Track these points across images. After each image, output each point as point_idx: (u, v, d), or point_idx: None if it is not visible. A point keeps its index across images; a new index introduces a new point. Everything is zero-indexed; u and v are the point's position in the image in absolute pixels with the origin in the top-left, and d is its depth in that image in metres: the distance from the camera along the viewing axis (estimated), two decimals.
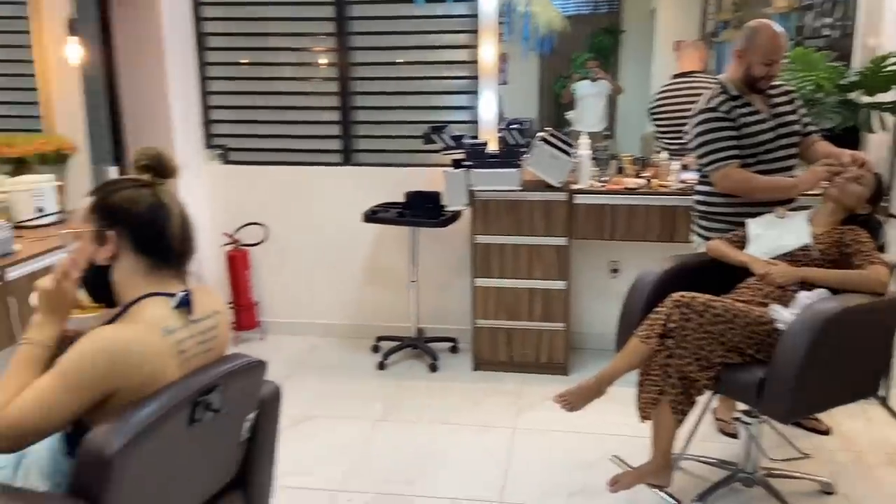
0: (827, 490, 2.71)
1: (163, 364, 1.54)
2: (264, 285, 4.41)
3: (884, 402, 3.37)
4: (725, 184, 2.81)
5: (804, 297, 2.45)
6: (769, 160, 2.83)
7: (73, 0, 3.50)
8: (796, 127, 2.89)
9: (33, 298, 1.65)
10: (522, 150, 3.68)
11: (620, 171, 3.88)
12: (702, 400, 2.48)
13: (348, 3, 4.08)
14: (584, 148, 3.69)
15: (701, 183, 2.99)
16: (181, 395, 1.54)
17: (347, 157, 4.29)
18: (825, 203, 2.74)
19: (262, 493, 1.92)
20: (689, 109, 2.97)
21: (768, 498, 2.64)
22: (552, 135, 3.63)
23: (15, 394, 1.46)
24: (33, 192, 2.81)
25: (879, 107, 3.18)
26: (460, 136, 3.85)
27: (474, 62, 4.00)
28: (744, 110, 2.82)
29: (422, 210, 3.83)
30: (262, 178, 4.31)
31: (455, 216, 3.86)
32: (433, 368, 3.92)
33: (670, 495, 2.59)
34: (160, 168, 1.68)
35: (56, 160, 2.98)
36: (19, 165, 2.99)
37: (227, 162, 4.34)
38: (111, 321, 1.57)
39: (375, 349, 4.18)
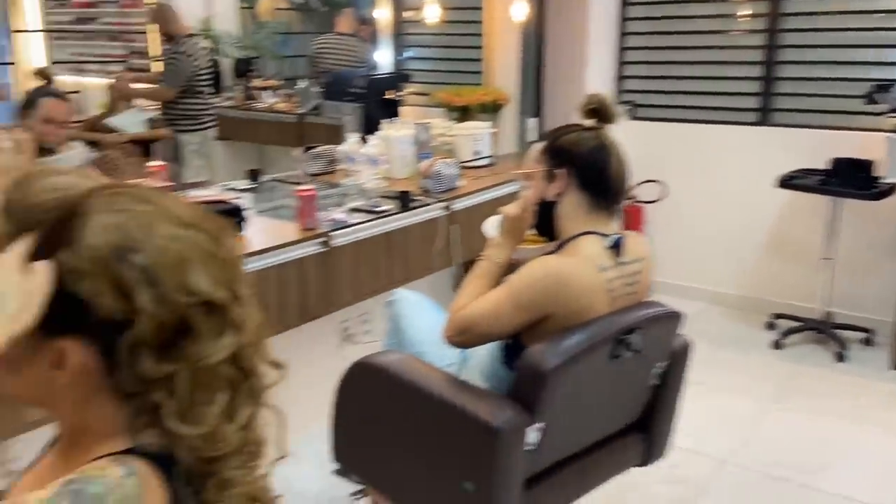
0: None
1: (595, 298, 1.64)
2: (655, 244, 4.38)
3: None
4: None
5: None
6: None
7: None
8: None
9: (489, 226, 1.89)
10: None
11: None
12: None
13: None
14: None
15: None
16: (607, 330, 1.62)
17: (765, 116, 3.97)
18: None
19: (661, 440, 1.95)
20: None
21: None
22: None
23: (471, 299, 1.70)
24: (473, 136, 3.20)
25: None
26: None
27: None
28: None
29: (850, 179, 3.38)
30: (667, 135, 4.24)
31: (891, 189, 3.33)
32: (840, 358, 3.50)
33: None
34: (604, 113, 1.77)
35: (493, 109, 3.33)
36: (463, 113, 3.42)
37: (635, 118, 4.36)
38: (551, 253, 1.72)
39: (770, 326, 3.88)
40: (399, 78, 5.05)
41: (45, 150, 2.71)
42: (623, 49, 4.33)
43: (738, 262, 4.14)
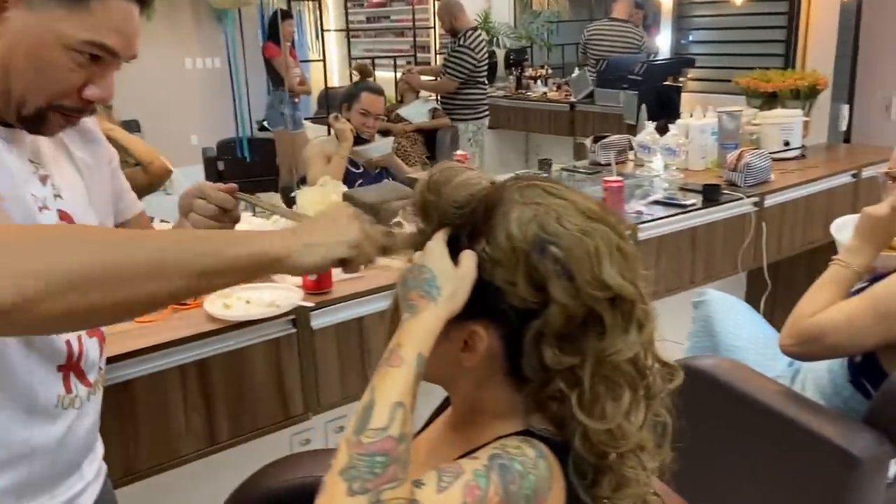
0: None
1: None
2: None
3: None
4: None
5: None
6: None
7: None
8: None
9: (838, 226, 1.69)
10: None
11: None
12: None
13: None
14: None
15: None
16: None
17: None
18: None
19: None
20: None
21: None
22: None
23: (821, 306, 1.52)
24: (782, 125, 2.91)
25: None
26: None
27: None
28: None
29: None
30: None
31: None
32: None
33: None
34: None
35: (808, 96, 3.01)
36: (770, 99, 3.13)
37: None
38: None
39: None
40: (681, 63, 4.80)
41: (358, 140, 2.96)
42: None
43: None
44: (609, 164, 2.92)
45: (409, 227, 0.88)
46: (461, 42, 4.81)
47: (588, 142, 3.18)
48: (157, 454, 1.45)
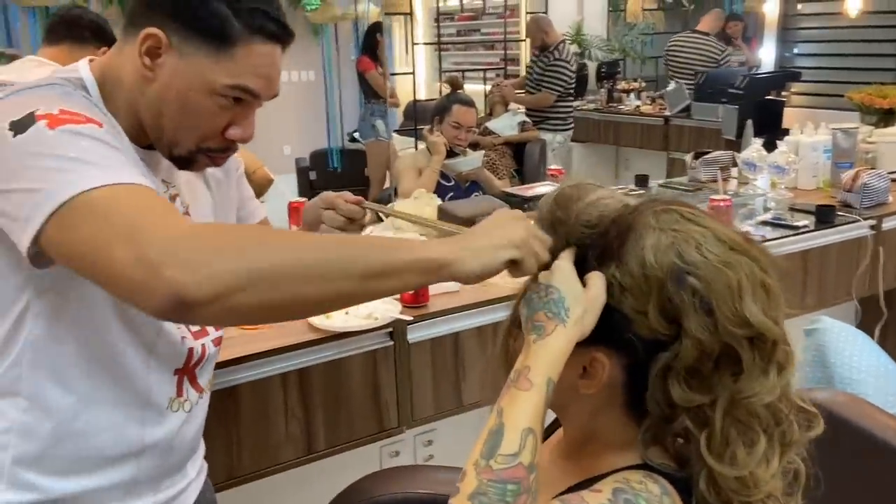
0: None
1: None
2: None
3: None
4: None
5: None
6: None
7: None
8: None
9: None
10: None
11: None
12: None
13: None
14: None
15: None
16: None
17: None
18: None
19: None
20: None
21: None
22: None
23: None
24: None
25: None
26: None
27: None
28: None
29: None
30: None
31: None
32: None
33: None
34: None
35: None
36: (886, 116, 2.95)
37: None
38: None
39: None
40: (786, 76, 4.61)
41: (449, 153, 2.96)
42: None
43: None
44: (711, 181, 2.82)
45: None
46: (556, 56, 4.80)
47: (688, 158, 3.07)
48: (258, 460, 1.47)
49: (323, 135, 6.32)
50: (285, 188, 4.70)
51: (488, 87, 5.42)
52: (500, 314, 0.93)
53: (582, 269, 0.75)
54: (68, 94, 0.85)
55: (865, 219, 2.38)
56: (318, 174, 5.79)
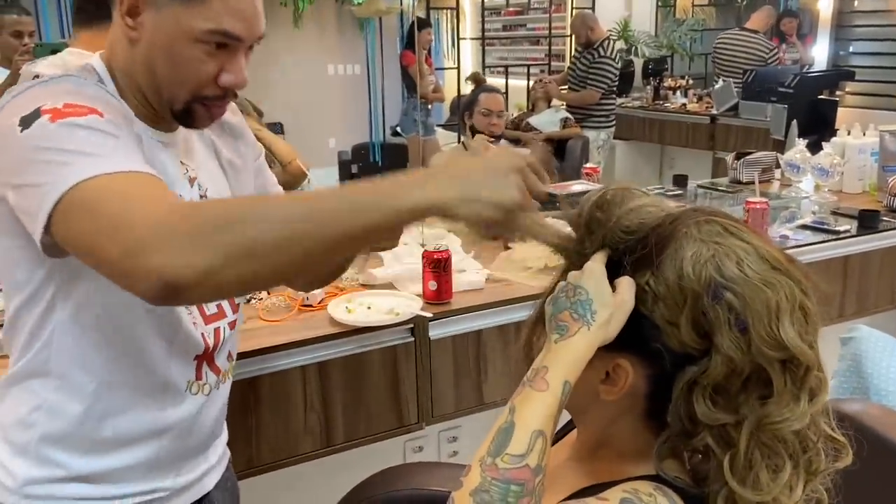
0: None
1: None
2: None
3: None
4: None
5: None
6: None
7: None
8: None
9: None
10: None
11: None
12: None
13: None
14: None
15: None
16: None
17: None
18: None
19: None
20: None
21: None
22: None
23: None
24: None
25: None
26: None
27: None
28: None
29: None
30: None
31: None
32: None
33: None
34: None
35: None
36: None
37: None
38: None
39: None
40: (839, 76, 4.46)
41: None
42: None
43: None
44: (751, 183, 2.74)
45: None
46: (601, 53, 4.75)
47: (730, 158, 3.00)
48: (277, 450, 1.50)
49: (366, 128, 6.36)
50: (328, 181, 4.75)
51: (532, 83, 5.38)
52: (523, 313, 0.92)
53: (615, 273, 0.74)
54: (81, 84, 0.88)
55: None
56: (360, 168, 5.84)
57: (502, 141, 3.48)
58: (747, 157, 2.91)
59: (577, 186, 2.74)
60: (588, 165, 2.88)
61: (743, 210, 2.15)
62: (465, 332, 1.66)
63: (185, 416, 1.01)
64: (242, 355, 1.38)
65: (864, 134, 2.75)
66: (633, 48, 6.41)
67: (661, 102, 5.76)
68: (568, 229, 0.80)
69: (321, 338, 1.51)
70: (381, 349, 1.57)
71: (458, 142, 3.17)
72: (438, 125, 6.23)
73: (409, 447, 1.83)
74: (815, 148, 2.75)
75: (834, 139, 2.78)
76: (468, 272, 1.80)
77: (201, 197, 1.00)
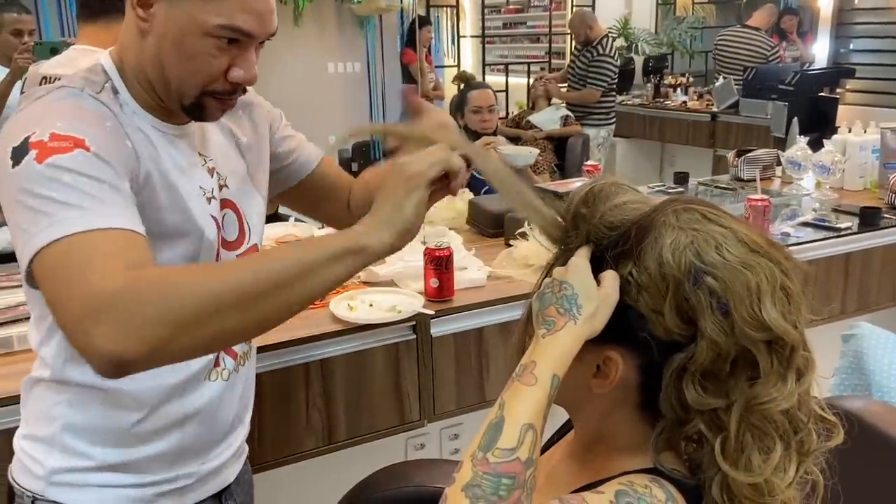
0: None
1: None
2: None
3: None
4: None
5: None
6: None
7: None
8: None
9: None
10: None
11: None
12: None
13: None
14: None
15: None
16: None
17: None
18: None
19: None
20: None
21: None
22: None
23: None
24: None
25: None
26: None
27: None
28: None
29: None
30: None
31: None
32: None
33: None
34: None
35: None
36: None
37: None
38: None
39: None
40: (839, 73, 4.46)
41: (479, 137, 2.93)
42: None
43: None
44: (752, 180, 2.74)
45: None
46: (599, 51, 4.75)
47: (730, 155, 3.00)
48: (280, 447, 1.50)
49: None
50: None
51: (532, 81, 5.38)
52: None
53: (600, 268, 0.75)
54: (77, 101, 0.88)
55: None
56: (361, 166, 5.83)
57: (499, 137, 3.48)
58: (748, 155, 2.91)
59: (578, 184, 2.74)
60: (589, 163, 2.88)
61: (744, 207, 2.15)
62: (467, 329, 1.67)
63: (207, 404, 1.03)
64: None
65: (864, 131, 2.75)
66: (634, 46, 6.41)
67: (662, 100, 5.76)
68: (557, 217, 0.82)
69: (323, 335, 1.51)
70: (383, 346, 1.57)
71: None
72: None
73: (411, 444, 1.83)
74: (815, 145, 2.75)
75: (835, 136, 2.78)
76: (470, 269, 1.80)
77: (221, 187, 1.02)
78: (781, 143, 3.57)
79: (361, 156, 5.89)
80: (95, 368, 0.73)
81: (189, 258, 0.97)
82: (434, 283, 1.65)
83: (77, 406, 0.97)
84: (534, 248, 1.84)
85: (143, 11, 0.89)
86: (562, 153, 4.64)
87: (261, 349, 1.45)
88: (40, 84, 1.73)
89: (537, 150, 3.19)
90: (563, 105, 4.91)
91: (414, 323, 1.59)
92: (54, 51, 1.88)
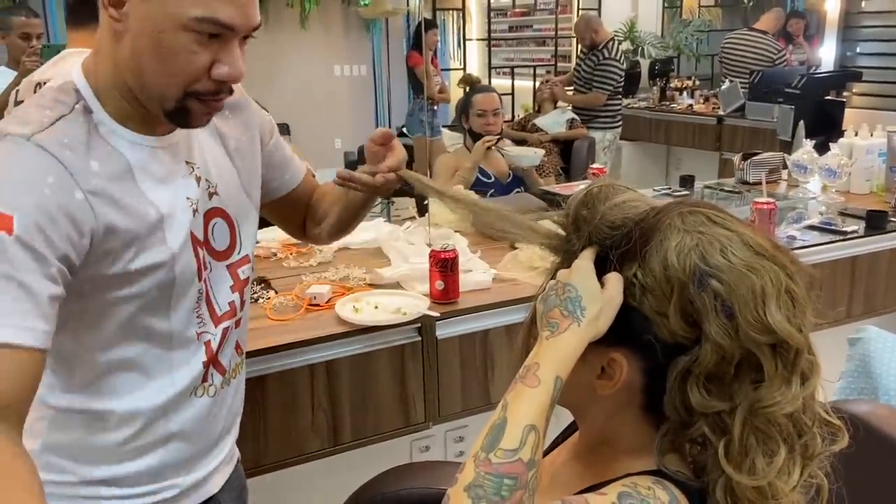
0: None
1: None
2: None
3: None
4: None
5: None
6: None
7: None
8: None
9: None
10: None
11: None
12: None
13: None
14: None
15: None
16: None
17: None
18: None
19: None
20: None
21: None
22: None
23: None
24: None
25: None
26: None
27: None
28: None
29: None
30: None
31: None
32: None
33: None
34: None
35: None
36: None
37: None
38: None
39: None
40: (846, 76, 4.44)
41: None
42: None
43: None
44: (758, 183, 2.74)
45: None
46: (605, 55, 4.75)
47: (736, 158, 3.00)
48: (285, 449, 1.50)
49: (372, 129, 6.37)
50: None
51: (537, 84, 5.38)
52: None
53: (603, 269, 0.75)
54: (18, 158, 0.81)
55: None
56: None
57: (505, 140, 3.49)
58: (754, 158, 2.91)
59: (582, 187, 2.74)
60: (594, 166, 2.88)
61: (750, 211, 2.15)
62: (472, 331, 1.67)
63: (193, 419, 1.01)
64: (250, 354, 1.39)
65: (871, 134, 2.74)
66: (640, 49, 6.41)
67: (668, 103, 5.74)
68: (556, 228, 0.82)
69: (329, 337, 1.52)
70: (388, 348, 1.58)
71: (463, 144, 3.14)
72: (444, 126, 6.23)
73: (416, 447, 1.83)
74: (822, 149, 2.74)
75: (841, 140, 2.77)
76: (475, 272, 1.80)
77: (211, 195, 0.99)
78: (788, 147, 3.55)
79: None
80: None
81: (163, 286, 0.92)
82: (439, 285, 1.65)
83: (58, 426, 0.96)
84: (539, 251, 1.84)
85: (115, 11, 0.84)
86: (567, 156, 4.64)
87: (266, 351, 1.45)
88: (34, 91, 1.74)
89: (542, 152, 3.19)
90: (569, 108, 4.91)
91: (419, 325, 1.60)
92: None
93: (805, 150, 2.73)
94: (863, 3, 4.55)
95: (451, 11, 7.06)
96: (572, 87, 5.09)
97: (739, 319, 0.68)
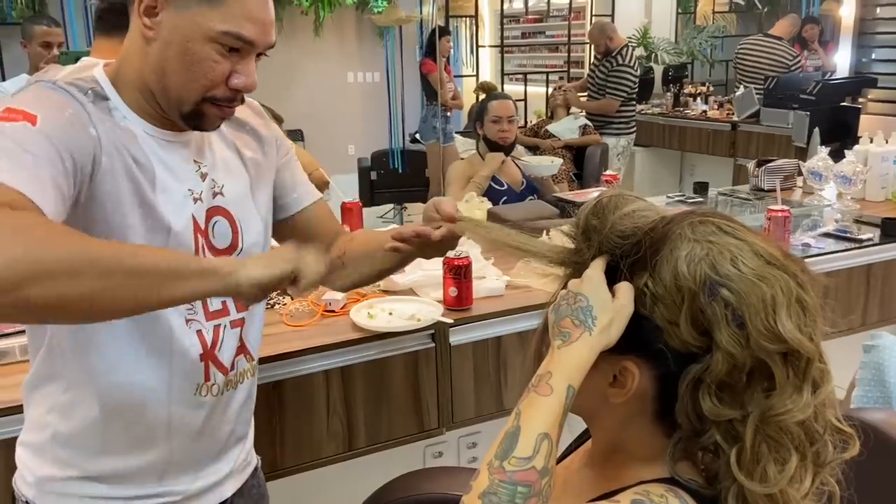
0: None
1: None
2: None
3: None
4: None
5: None
6: None
7: None
8: None
9: None
10: None
11: None
12: None
13: None
14: None
15: None
16: None
17: None
18: None
19: None
20: None
21: None
22: None
23: None
24: None
25: None
26: None
27: None
28: None
29: None
30: None
31: None
32: None
33: None
34: None
35: None
36: None
37: None
38: None
39: None
40: (861, 83, 4.42)
41: (497, 148, 2.94)
42: None
43: None
44: (773, 191, 2.73)
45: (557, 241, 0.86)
46: (619, 61, 4.75)
47: (751, 165, 2.99)
48: (300, 454, 1.52)
49: (385, 135, 6.40)
50: (348, 188, 4.80)
51: (551, 90, 5.39)
52: None
53: (614, 279, 0.76)
54: (45, 90, 0.89)
55: None
56: (380, 175, 5.87)
57: (518, 147, 3.49)
58: (769, 165, 2.90)
59: (595, 194, 2.75)
60: (608, 172, 2.89)
61: (765, 218, 2.15)
62: (486, 338, 1.68)
63: (196, 418, 1.03)
64: (266, 359, 1.41)
65: (886, 141, 2.73)
66: (653, 55, 6.40)
67: (682, 109, 5.74)
68: (566, 241, 0.83)
69: (344, 343, 1.53)
70: (402, 355, 1.59)
71: (476, 150, 3.15)
72: (457, 132, 6.25)
73: (430, 452, 1.84)
74: (837, 155, 2.73)
75: (856, 147, 2.76)
76: (488, 279, 1.81)
77: (215, 194, 1.02)
78: (803, 153, 3.54)
79: (380, 164, 5.93)
80: None
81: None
82: (453, 291, 1.66)
83: (64, 413, 0.99)
84: None
85: (148, 20, 0.92)
86: (580, 162, 4.64)
87: (282, 356, 1.47)
88: None
89: (560, 161, 3.20)
90: (582, 114, 4.91)
91: (433, 331, 1.61)
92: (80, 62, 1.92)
93: (820, 156, 2.72)
94: (878, 10, 4.52)
95: (464, 18, 7.08)
96: (586, 94, 5.09)
97: (750, 328, 0.68)
